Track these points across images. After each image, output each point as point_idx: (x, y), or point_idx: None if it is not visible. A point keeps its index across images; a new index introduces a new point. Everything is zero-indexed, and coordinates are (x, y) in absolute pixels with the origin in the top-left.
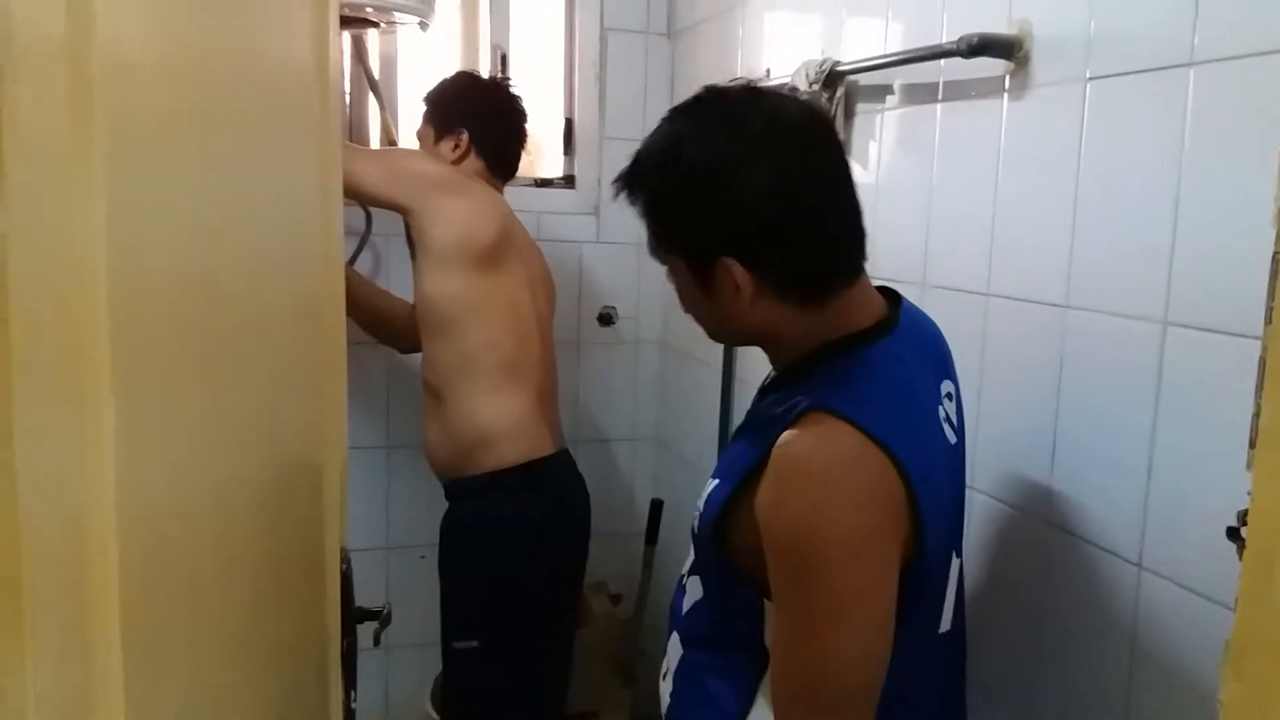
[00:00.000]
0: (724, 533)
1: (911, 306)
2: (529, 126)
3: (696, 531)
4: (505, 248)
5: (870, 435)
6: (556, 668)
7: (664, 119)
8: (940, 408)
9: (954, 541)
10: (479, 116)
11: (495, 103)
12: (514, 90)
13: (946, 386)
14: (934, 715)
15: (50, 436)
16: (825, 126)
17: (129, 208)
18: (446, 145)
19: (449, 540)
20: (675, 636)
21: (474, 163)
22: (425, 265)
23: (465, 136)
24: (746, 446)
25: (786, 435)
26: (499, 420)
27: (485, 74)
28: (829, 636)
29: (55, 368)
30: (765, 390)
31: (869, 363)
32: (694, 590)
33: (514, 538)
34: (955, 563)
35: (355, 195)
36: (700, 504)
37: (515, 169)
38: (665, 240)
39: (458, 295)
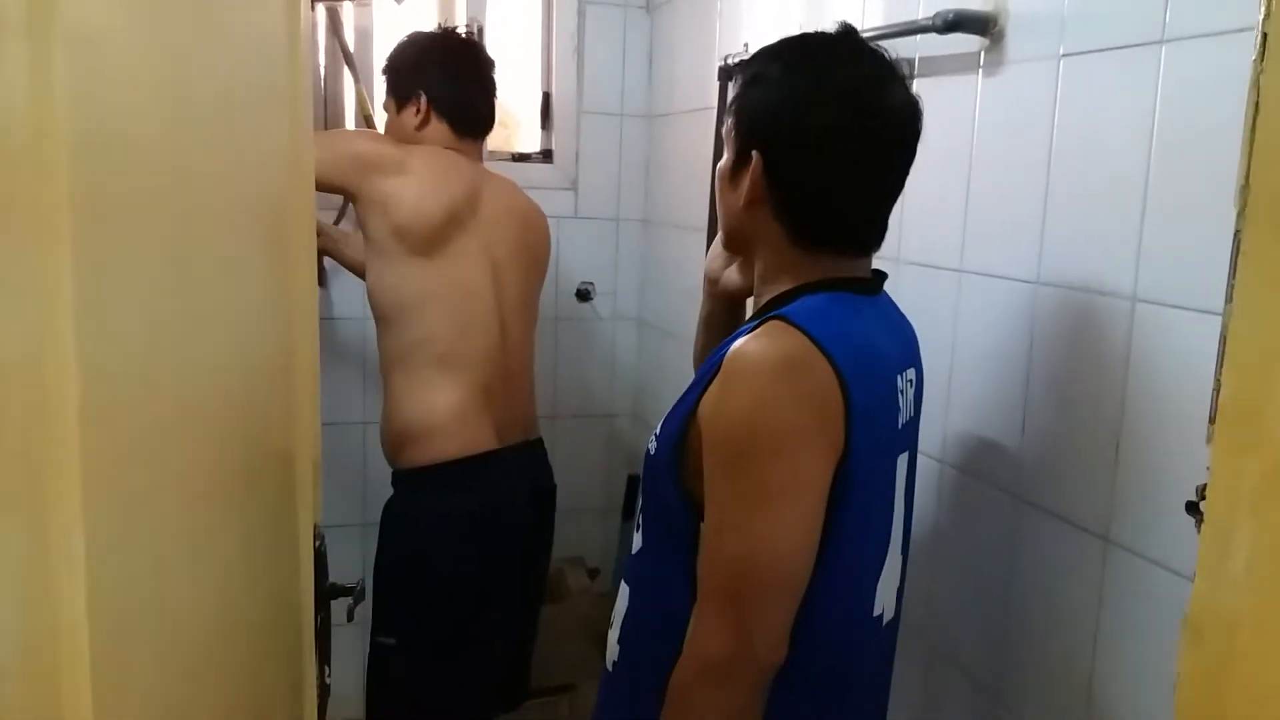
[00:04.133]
0: (680, 450)
1: (891, 300)
2: (502, 89)
3: (652, 455)
4: (455, 228)
5: (816, 342)
6: (490, 662)
7: (810, 33)
8: (899, 378)
9: (890, 527)
10: (432, 75)
11: (448, 57)
12: (469, 38)
13: (909, 374)
14: (872, 703)
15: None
16: (909, 131)
17: (93, 183)
18: (408, 113)
19: (381, 531)
20: (623, 584)
21: (438, 126)
22: (368, 254)
23: (423, 99)
24: (705, 365)
25: (739, 340)
26: (430, 416)
27: (438, 29)
28: (755, 525)
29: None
30: None
31: (838, 299)
32: (638, 540)
33: (435, 536)
34: (897, 558)
35: None
36: (657, 431)
37: (486, 122)
38: (732, 118)
39: (393, 286)
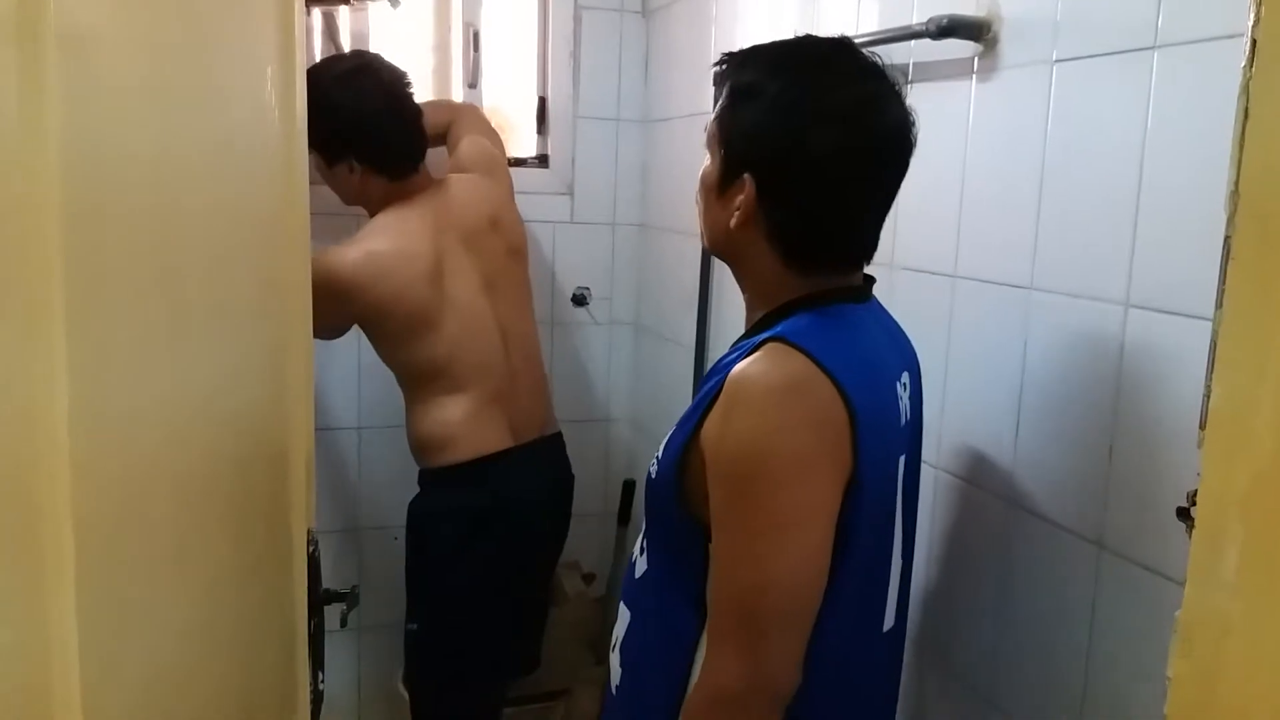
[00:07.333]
0: (682, 473)
1: (880, 304)
2: (499, 94)
3: (653, 479)
4: (439, 288)
5: (819, 363)
6: (506, 652)
7: (801, 37)
8: (896, 383)
9: (893, 534)
10: (350, 135)
11: (355, 109)
12: (359, 66)
13: (904, 377)
14: (877, 712)
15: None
16: (905, 147)
17: (84, 195)
18: (342, 170)
19: (408, 525)
20: (623, 605)
21: (377, 182)
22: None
23: (354, 163)
24: (704, 387)
25: (740, 363)
26: (445, 429)
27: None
28: (766, 556)
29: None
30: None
31: (832, 313)
32: (642, 563)
33: (453, 529)
34: (898, 562)
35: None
36: (659, 453)
37: (418, 151)
38: (721, 129)
39: (401, 360)
